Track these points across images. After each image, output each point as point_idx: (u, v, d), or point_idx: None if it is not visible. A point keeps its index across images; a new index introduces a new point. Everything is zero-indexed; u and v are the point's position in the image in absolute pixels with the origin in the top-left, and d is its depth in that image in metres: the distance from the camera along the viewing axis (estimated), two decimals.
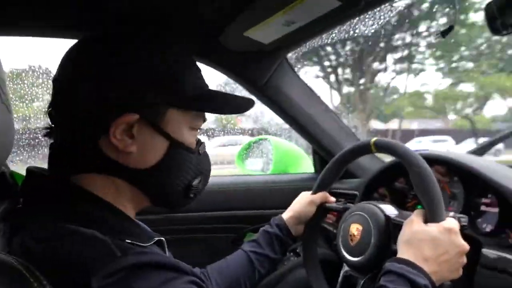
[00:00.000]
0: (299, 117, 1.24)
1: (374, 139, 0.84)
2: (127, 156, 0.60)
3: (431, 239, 0.67)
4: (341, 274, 0.90)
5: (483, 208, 0.92)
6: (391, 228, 0.79)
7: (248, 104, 0.70)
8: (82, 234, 0.52)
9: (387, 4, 0.80)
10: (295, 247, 1.26)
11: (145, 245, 0.58)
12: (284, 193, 1.38)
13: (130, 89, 0.58)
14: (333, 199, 1.00)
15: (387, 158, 1.37)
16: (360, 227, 0.83)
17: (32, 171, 0.62)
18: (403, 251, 0.69)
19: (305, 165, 1.61)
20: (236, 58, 1.08)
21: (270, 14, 0.78)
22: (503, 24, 0.71)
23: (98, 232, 0.53)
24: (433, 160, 1.00)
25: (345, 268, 0.89)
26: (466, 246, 0.69)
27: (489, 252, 0.83)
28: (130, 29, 0.65)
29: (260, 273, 0.94)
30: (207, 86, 0.69)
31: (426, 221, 0.71)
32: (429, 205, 0.71)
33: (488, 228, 0.89)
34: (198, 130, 0.68)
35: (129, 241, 0.55)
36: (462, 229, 0.72)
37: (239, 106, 0.69)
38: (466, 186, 0.96)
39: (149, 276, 0.50)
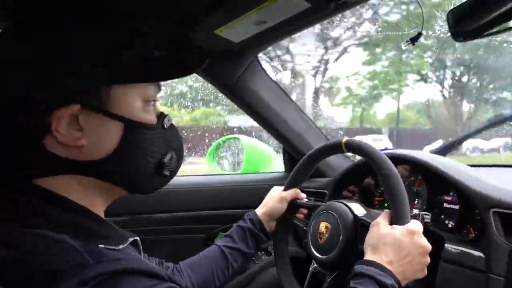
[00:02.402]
0: (269, 116, 1.25)
1: (345, 139, 0.85)
2: (80, 150, 0.55)
3: (395, 242, 0.69)
4: (309, 271, 0.91)
5: (445, 205, 0.96)
6: (359, 228, 0.80)
7: (199, 61, 0.65)
8: (51, 239, 0.49)
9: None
10: (266, 246, 1.26)
11: (118, 248, 0.54)
12: (255, 192, 1.38)
13: (61, 78, 0.52)
14: (304, 195, 1.01)
15: (355, 157, 1.42)
16: (329, 226, 0.84)
17: None
18: (370, 254, 0.70)
19: (276, 164, 1.62)
20: (204, 56, 1.07)
21: (241, 13, 0.78)
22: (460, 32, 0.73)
23: (68, 237, 0.49)
24: (399, 160, 1.03)
25: (314, 265, 0.91)
26: (428, 247, 0.71)
27: (451, 247, 0.86)
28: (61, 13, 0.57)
29: (233, 267, 0.93)
30: (149, 52, 0.61)
31: (392, 222, 0.73)
32: (395, 207, 0.73)
33: (451, 224, 0.93)
34: (155, 102, 0.62)
35: (102, 245, 0.52)
36: (426, 226, 0.75)
37: (188, 66, 0.64)
38: (429, 184, 1.00)
39: (125, 284, 0.48)
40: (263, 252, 1.29)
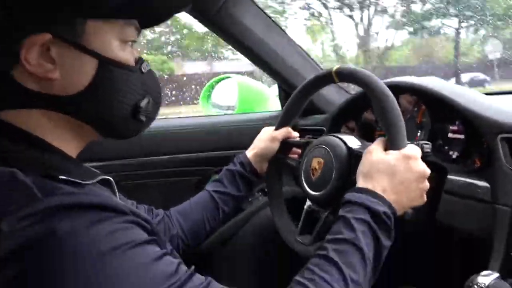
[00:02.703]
0: (258, 49, 1.15)
1: (335, 67, 0.77)
2: (51, 84, 0.52)
3: (389, 167, 0.64)
4: (304, 209, 0.87)
5: (450, 135, 0.90)
6: (353, 160, 0.75)
7: (184, 1, 0.60)
8: None
9: None
10: (263, 187, 1.22)
11: (83, 182, 0.51)
12: (250, 132, 1.31)
13: (35, 3, 0.49)
14: (296, 134, 0.96)
15: (354, 90, 1.33)
16: (322, 161, 0.79)
17: None
18: (362, 182, 0.66)
19: (272, 103, 1.55)
20: None
21: None
22: None
23: (19, 172, 0.46)
24: (401, 89, 0.95)
25: (308, 202, 0.87)
26: (426, 171, 0.66)
27: (454, 178, 0.81)
28: None
29: (225, 212, 0.93)
30: None
31: (387, 149, 0.67)
32: (389, 131, 0.67)
33: (455, 155, 0.87)
34: (133, 43, 0.59)
35: (63, 177, 0.49)
36: (425, 156, 0.69)
37: (173, 5, 0.60)
38: (434, 113, 0.93)
39: (75, 217, 0.44)
40: (260, 193, 1.26)
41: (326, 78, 0.81)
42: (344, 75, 0.77)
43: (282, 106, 1.43)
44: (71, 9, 0.51)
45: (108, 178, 0.59)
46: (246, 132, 1.35)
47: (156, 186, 1.29)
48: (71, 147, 0.57)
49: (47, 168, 0.50)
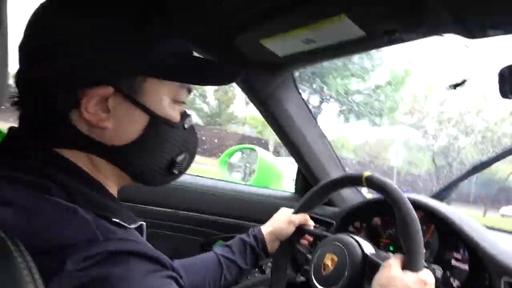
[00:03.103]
0: (293, 134, 1.23)
1: (366, 174, 0.84)
2: (102, 132, 0.55)
3: (406, 287, 0.68)
4: None
5: (454, 262, 0.93)
6: (367, 266, 0.78)
7: (235, 74, 0.64)
8: (64, 208, 0.49)
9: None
10: (262, 263, 1.24)
11: (130, 226, 0.55)
12: (260, 207, 1.36)
13: (101, 58, 0.53)
14: (312, 223, 1.00)
15: (367, 192, 1.40)
16: (336, 258, 0.82)
17: (14, 132, 0.57)
18: None
19: (285, 184, 1.60)
20: (247, 67, 1.07)
21: (294, 27, 0.78)
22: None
23: (81, 209, 0.49)
24: (415, 205, 1.01)
25: None
26: None
27: None
28: None
29: (226, 279, 0.92)
30: (190, 53, 0.63)
31: (404, 267, 0.71)
32: (410, 253, 0.72)
33: (456, 284, 0.90)
34: (183, 104, 0.63)
35: (115, 220, 0.52)
36: (436, 280, 0.73)
37: (226, 76, 0.64)
38: (441, 237, 0.97)
39: (130, 265, 0.47)
40: (257, 269, 1.27)
41: (355, 180, 0.87)
42: (374, 184, 0.83)
43: (296, 189, 1.49)
44: (135, 67, 0.55)
45: (142, 223, 0.61)
46: (257, 206, 1.40)
47: (162, 237, 1.30)
48: (111, 189, 0.60)
49: (101, 208, 0.53)
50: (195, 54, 0.64)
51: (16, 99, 0.57)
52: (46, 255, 0.45)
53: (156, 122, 0.57)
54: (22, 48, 0.56)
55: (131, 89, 0.55)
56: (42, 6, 0.56)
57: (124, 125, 0.56)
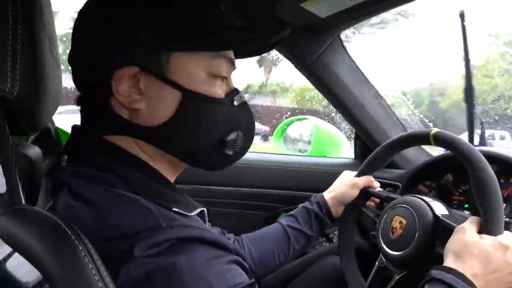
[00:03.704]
0: (345, 99, 1.19)
1: (434, 130, 0.78)
2: (139, 114, 0.55)
3: (484, 253, 0.62)
4: (375, 265, 0.86)
5: None
6: (439, 229, 0.74)
7: (278, 37, 0.60)
8: (128, 199, 0.50)
9: None
10: (328, 232, 1.23)
11: (190, 214, 0.55)
12: (321, 176, 1.34)
13: (121, 38, 0.53)
14: (377, 184, 0.96)
15: (431, 150, 1.32)
16: (404, 221, 0.79)
17: (76, 130, 0.60)
18: (451, 261, 0.64)
19: (345, 150, 1.56)
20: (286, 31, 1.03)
21: None
22: None
23: (143, 199, 0.51)
24: (491, 159, 0.93)
25: (382, 259, 0.86)
26: None
27: None
28: None
29: (295, 248, 0.92)
30: (218, 19, 0.58)
31: (480, 231, 0.66)
32: (487, 215, 0.66)
33: None
34: (227, 79, 0.59)
35: (176, 209, 0.53)
36: None
37: (262, 46, 0.61)
38: None
39: (193, 252, 0.48)
40: (323, 238, 1.26)
41: (422, 139, 0.82)
42: (443, 141, 0.77)
43: (356, 154, 1.45)
44: (154, 43, 0.53)
45: (203, 209, 0.61)
46: (317, 176, 1.38)
47: (226, 215, 1.34)
48: (167, 175, 0.59)
49: (160, 197, 0.54)
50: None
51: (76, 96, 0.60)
52: (112, 245, 0.47)
53: (191, 98, 0.55)
54: (71, 48, 0.59)
55: (158, 66, 0.53)
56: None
57: (157, 104, 0.55)
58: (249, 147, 0.64)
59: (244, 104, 0.61)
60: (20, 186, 0.55)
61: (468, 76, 1.04)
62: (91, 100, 0.57)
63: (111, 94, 0.54)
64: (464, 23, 0.92)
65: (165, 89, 0.54)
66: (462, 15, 0.94)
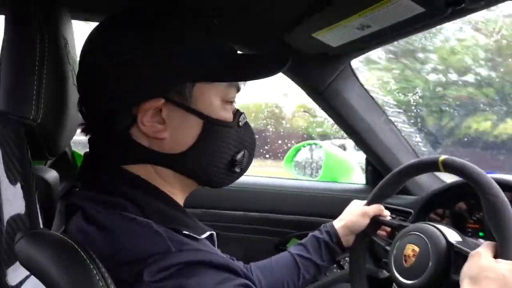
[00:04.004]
0: (356, 125, 1.20)
1: (443, 157, 0.79)
2: (161, 142, 0.57)
3: (501, 278, 0.61)
4: None
5: None
6: (453, 256, 0.73)
7: (282, 62, 0.62)
8: (139, 223, 0.52)
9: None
10: (339, 259, 1.21)
11: (199, 237, 0.56)
12: (333, 202, 1.34)
13: (150, 72, 0.55)
14: (388, 213, 0.96)
15: (445, 176, 1.31)
16: (417, 249, 0.78)
17: (87, 156, 0.62)
18: (468, 286, 0.63)
19: (356, 176, 1.56)
20: (299, 60, 1.06)
21: (345, 16, 0.75)
22: None
23: (153, 223, 0.52)
24: (503, 186, 0.93)
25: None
26: None
27: None
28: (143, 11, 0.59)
29: (305, 278, 0.91)
30: (233, 50, 0.63)
31: (496, 256, 0.65)
32: (502, 239, 0.66)
33: None
34: (234, 103, 0.63)
35: (186, 232, 0.54)
36: None
37: (273, 67, 0.62)
38: None
39: (203, 275, 0.49)
40: (335, 265, 1.25)
41: (431, 166, 0.82)
42: (452, 168, 0.77)
43: (367, 180, 1.44)
44: (182, 75, 0.56)
45: (213, 233, 0.62)
46: (328, 201, 1.38)
47: (236, 239, 1.33)
48: (178, 198, 0.62)
49: (172, 221, 0.55)
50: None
51: (83, 126, 0.62)
52: (124, 269, 0.48)
53: (211, 125, 0.58)
54: (78, 77, 0.60)
55: (182, 96, 0.56)
56: (90, 35, 0.60)
57: (181, 133, 0.57)
58: (251, 162, 0.67)
59: (246, 123, 0.65)
60: (38, 209, 0.56)
61: None
62: (109, 130, 0.58)
63: (133, 125, 0.56)
64: None
65: (188, 117, 0.57)
66: None
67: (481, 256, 0.65)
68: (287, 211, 1.37)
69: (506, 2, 0.67)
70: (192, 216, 0.62)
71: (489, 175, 0.75)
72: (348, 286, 1.04)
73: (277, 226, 1.35)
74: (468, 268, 0.66)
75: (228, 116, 0.61)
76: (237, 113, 0.63)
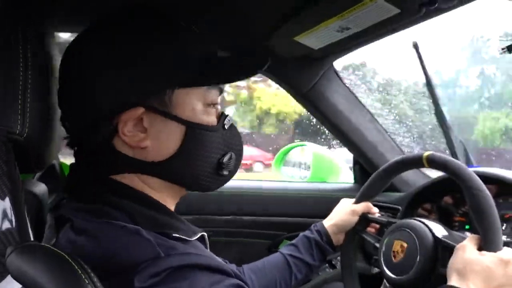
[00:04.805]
0: (342, 125, 1.22)
1: (427, 153, 0.80)
2: (145, 151, 0.57)
3: (486, 270, 0.63)
4: None
5: None
6: (440, 250, 0.75)
7: (262, 62, 0.62)
8: (128, 231, 0.52)
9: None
10: (331, 258, 1.23)
11: (190, 239, 0.57)
12: (322, 202, 1.35)
13: (125, 83, 0.55)
14: (376, 210, 0.98)
15: (430, 172, 1.33)
16: (405, 245, 0.80)
17: (74, 167, 0.62)
18: (455, 280, 0.64)
19: (344, 175, 1.58)
20: (282, 63, 1.07)
21: (324, 19, 0.77)
22: None
23: (143, 230, 0.52)
24: (487, 179, 0.95)
25: (385, 284, 0.86)
26: None
27: None
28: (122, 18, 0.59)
29: (297, 277, 0.92)
30: (211, 55, 0.62)
31: (480, 248, 0.67)
32: (485, 232, 0.67)
33: None
34: (216, 105, 0.63)
35: (176, 235, 0.55)
36: None
37: (252, 67, 0.63)
38: None
39: (194, 278, 0.49)
40: (326, 264, 1.26)
41: (416, 162, 0.84)
42: (436, 163, 0.79)
43: (356, 179, 1.46)
44: (161, 83, 0.56)
45: (204, 234, 0.63)
46: (318, 201, 1.39)
47: (228, 243, 1.34)
48: (169, 204, 0.62)
49: (161, 226, 0.55)
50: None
51: (67, 140, 0.62)
52: (116, 277, 0.48)
53: (193, 130, 0.58)
54: (59, 90, 0.60)
55: (162, 103, 0.56)
56: (68, 48, 0.60)
57: (163, 140, 0.57)
58: (239, 164, 0.67)
59: (232, 126, 0.64)
60: (28, 223, 0.57)
61: (435, 101, 1.07)
62: (91, 142, 0.58)
63: (115, 135, 0.56)
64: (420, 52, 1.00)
65: (170, 124, 0.57)
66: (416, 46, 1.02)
67: (466, 249, 0.66)
68: (278, 213, 1.38)
69: (477, 0, 0.69)
70: (182, 218, 0.62)
71: (471, 169, 0.77)
72: (340, 285, 1.05)
73: (269, 229, 1.36)
74: (454, 262, 0.67)
75: (211, 119, 0.60)
76: (222, 116, 0.63)
